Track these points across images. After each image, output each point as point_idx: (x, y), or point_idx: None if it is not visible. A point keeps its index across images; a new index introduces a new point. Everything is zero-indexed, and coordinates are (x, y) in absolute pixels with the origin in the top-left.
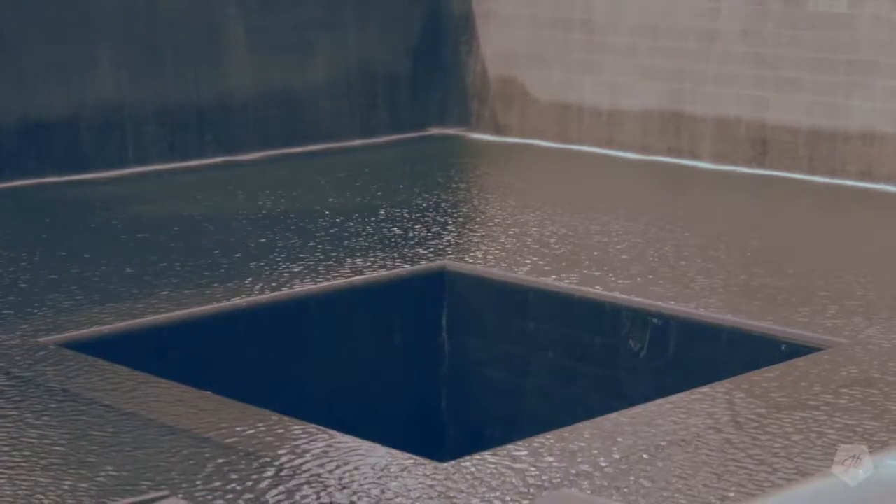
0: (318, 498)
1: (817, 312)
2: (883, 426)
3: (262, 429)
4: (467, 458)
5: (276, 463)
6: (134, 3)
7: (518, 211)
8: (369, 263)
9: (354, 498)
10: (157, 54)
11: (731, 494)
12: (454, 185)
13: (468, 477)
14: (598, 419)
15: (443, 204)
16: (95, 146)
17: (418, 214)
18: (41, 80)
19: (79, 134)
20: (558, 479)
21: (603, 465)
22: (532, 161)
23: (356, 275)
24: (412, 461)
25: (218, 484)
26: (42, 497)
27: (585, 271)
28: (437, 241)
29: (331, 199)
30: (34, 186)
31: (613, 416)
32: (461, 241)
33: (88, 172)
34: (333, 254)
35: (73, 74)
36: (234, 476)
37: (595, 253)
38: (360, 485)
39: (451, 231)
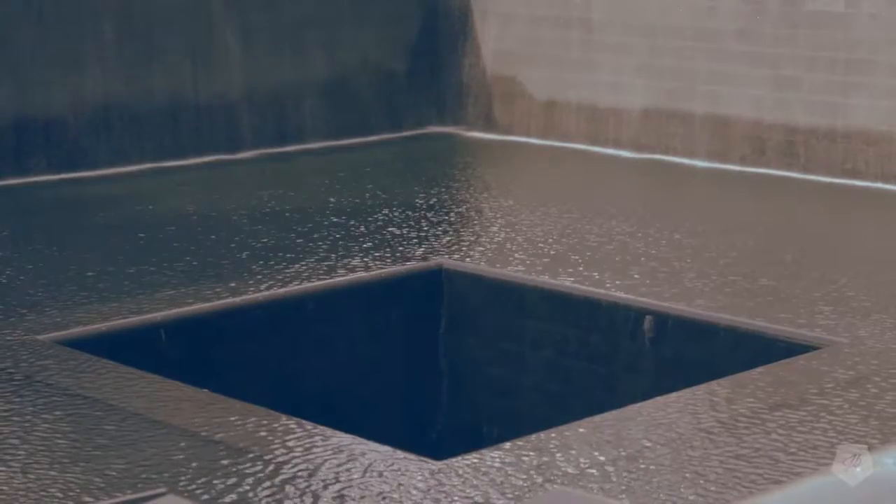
0: (315, 495)
1: (813, 312)
2: (878, 426)
3: (260, 426)
4: (463, 456)
5: (274, 460)
6: (130, 0)
7: (515, 209)
8: (367, 262)
9: (351, 495)
10: (153, 52)
11: (726, 494)
12: (452, 184)
13: (464, 475)
14: (594, 417)
15: (440, 202)
16: (92, 144)
17: (416, 213)
18: (37, 77)
19: (75, 132)
20: (554, 478)
21: (599, 463)
22: (529, 159)
23: (354, 273)
24: (408, 459)
25: (215, 481)
26: (48, 491)
27: (582, 269)
28: (435, 239)
29: (328, 198)
30: (31, 185)
31: (609, 414)
32: (458, 240)
33: (85, 170)
34: (331, 252)
35: (69, 72)
36: (231, 473)
37: (592, 251)
38: (357, 482)
39: (448, 229)
